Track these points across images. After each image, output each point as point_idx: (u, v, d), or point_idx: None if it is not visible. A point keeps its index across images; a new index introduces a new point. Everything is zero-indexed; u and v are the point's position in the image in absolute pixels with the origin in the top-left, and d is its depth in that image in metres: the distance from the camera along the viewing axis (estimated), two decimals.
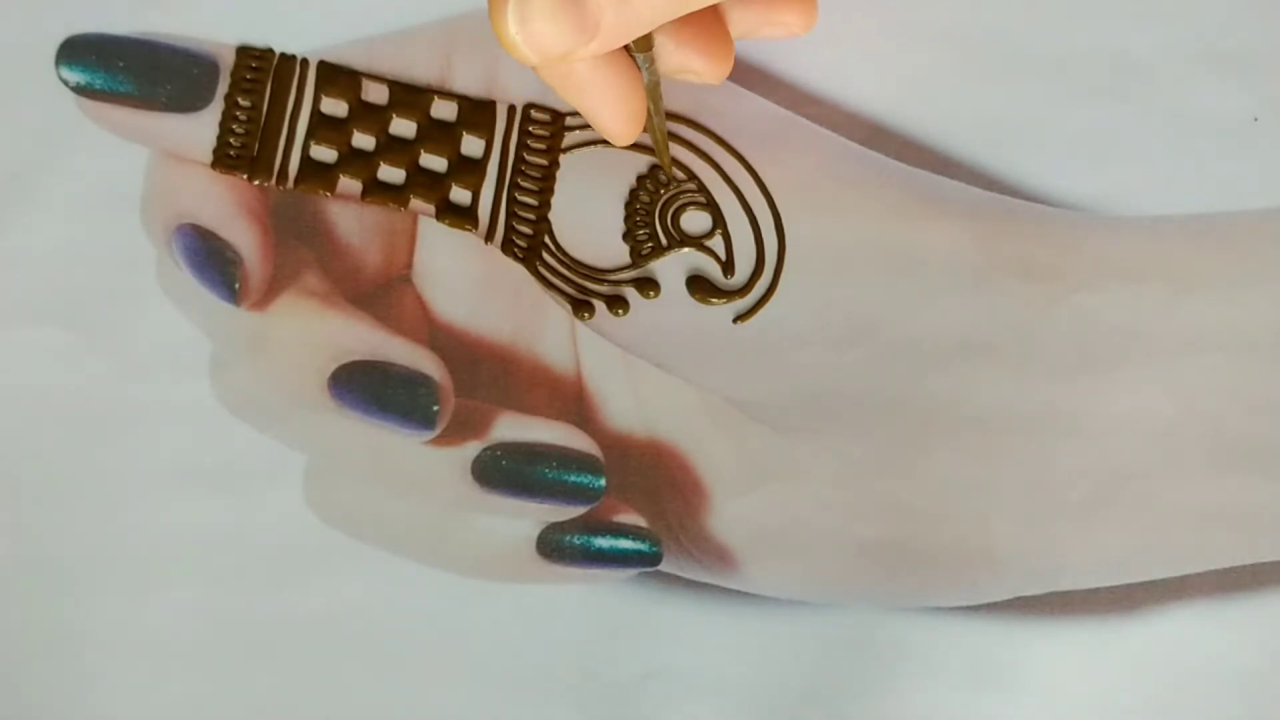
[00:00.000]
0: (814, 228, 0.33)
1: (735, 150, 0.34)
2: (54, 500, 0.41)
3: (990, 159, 0.38)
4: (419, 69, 0.34)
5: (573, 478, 0.33)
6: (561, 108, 0.34)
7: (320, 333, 0.33)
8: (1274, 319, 0.33)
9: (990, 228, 0.34)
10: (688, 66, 0.31)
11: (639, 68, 0.31)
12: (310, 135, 0.34)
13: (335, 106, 0.34)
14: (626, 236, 0.34)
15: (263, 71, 0.34)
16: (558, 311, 0.37)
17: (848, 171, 0.34)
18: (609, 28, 0.28)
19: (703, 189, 0.34)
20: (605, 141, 0.34)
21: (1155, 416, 0.34)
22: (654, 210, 0.34)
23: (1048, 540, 0.35)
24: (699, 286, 0.33)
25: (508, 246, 0.34)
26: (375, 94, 0.34)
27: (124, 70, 0.33)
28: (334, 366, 0.33)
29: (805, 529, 0.35)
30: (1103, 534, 0.34)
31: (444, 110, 0.34)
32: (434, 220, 0.34)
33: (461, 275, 0.37)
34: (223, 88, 0.33)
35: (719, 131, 0.34)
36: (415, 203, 0.34)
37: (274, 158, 0.34)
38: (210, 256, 0.33)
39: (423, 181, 0.34)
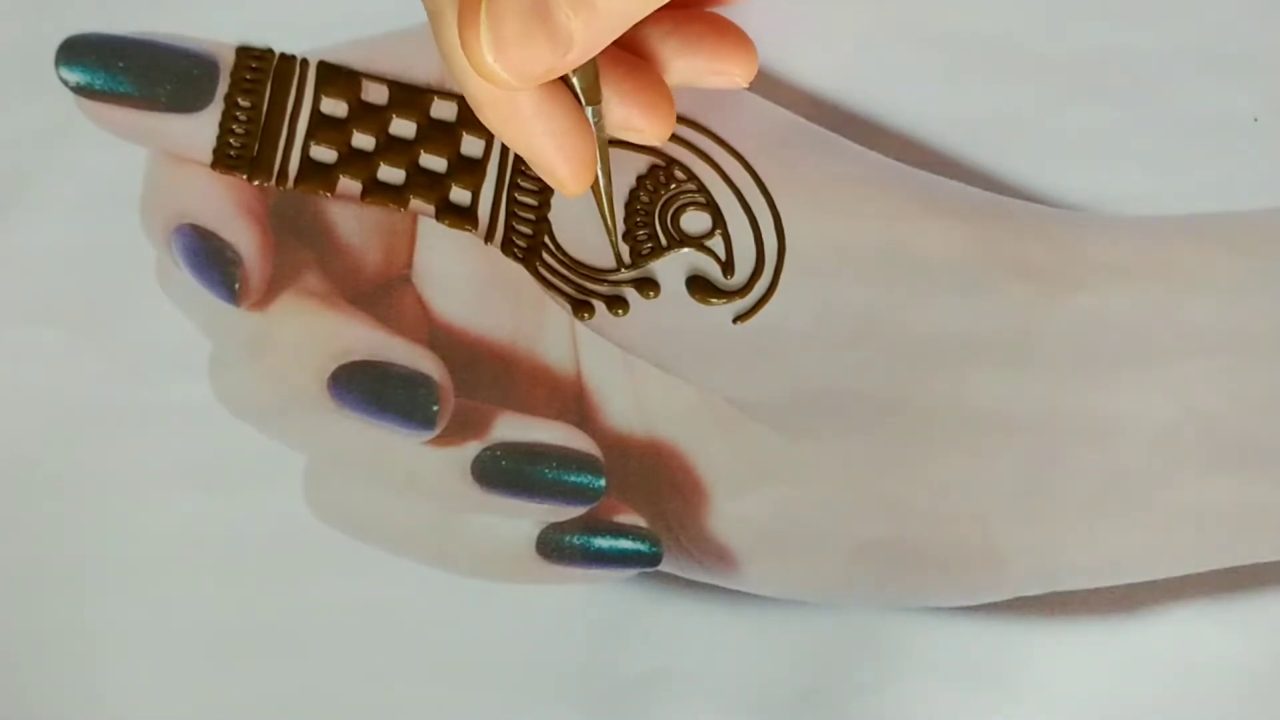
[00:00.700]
0: (814, 228, 0.33)
1: (735, 150, 0.34)
2: (54, 500, 0.41)
3: (990, 159, 0.38)
4: (419, 69, 0.34)
5: (573, 478, 0.33)
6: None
7: (320, 333, 0.33)
8: (1274, 319, 0.33)
9: (990, 228, 0.34)
10: (629, 123, 0.31)
11: (588, 116, 0.31)
12: (310, 135, 0.34)
13: (335, 106, 0.34)
14: (626, 236, 0.34)
15: (263, 71, 0.34)
16: (558, 311, 0.37)
17: (848, 171, 0.34)
18: (582, 38, 0.28)
19: (703, 189, 0.34)
20: (612, 138, 0.34)
21: (1155, 416, 0.34)
22: (654, 210, 0.34)
23: (1048, 540, 0.35)
24: (699, 286, 0.33)
25: (508, 246, 0.34)
26: (375, 94, 0.34)
27: (124, 70, 0.33)
28: (334, 366, 0.33)
29: (805, 529, 0.35)
30: (1103, 534, 0.34)
31: (444, 110, 0.34)
32: (434, 220, 0.34)
33: (461, 275, 0.37)
34: (223, 88, 0.33)
35: (719, 131, 0.34)
36: (415, 203, 0.34)
37: (274, 158, 0.34)
38: (210, 256, 0.33)
39: (423, 181, 0.34)
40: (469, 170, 0.34)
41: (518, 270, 0.34)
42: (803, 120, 0.35)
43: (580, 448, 0.34)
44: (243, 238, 0.33)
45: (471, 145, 0.34)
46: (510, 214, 0.34)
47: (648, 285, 0.34)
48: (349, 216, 0.36)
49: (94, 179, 0.41)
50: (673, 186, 0.34)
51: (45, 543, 0.41)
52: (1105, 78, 0.38)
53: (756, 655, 0.40)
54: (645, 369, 0.36)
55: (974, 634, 0.39)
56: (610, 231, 0.33)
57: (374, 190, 0.34)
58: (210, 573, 0.41)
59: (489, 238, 0.34)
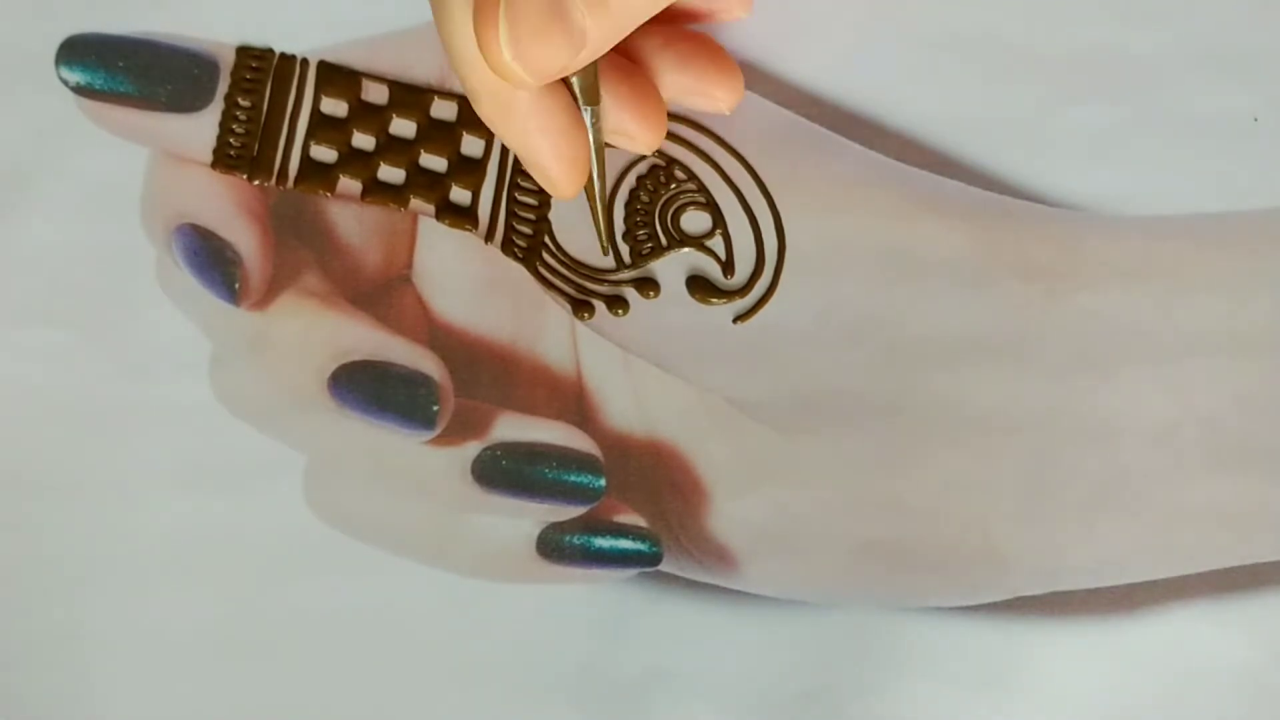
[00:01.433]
0: (814, 228, 0.33)
1: (735, 150, 0.34)
2: (54, 500, 0.41)
3: (990, 159, 0.38)
4: (419, 69, 0.34)
5: (573, 478, 0.33)
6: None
7: (320, 333, 0.33)
8: (1274, 319, 0.33)
9: (990, 228, 0.34)
10: (622, 128, 0.31)
11: (583, 119, 0.31)
12: (310, 135, 0.34)
13: (335, 106, 0.34)
14: (626, 236, 0.34)
15: (263, 71, 0.34)
16: (558, 311, 0.37)
17: (848, 171, 0.34)
18: (595, 35, 0.28)
19: (703, 189, 0.34)
20: (606, 142, 0.34)
21: (1155, 416, 0.34)
22: (654, 210, 0.34)
23: (1048, 540, 0.35)
24: (699, 286, 0.33)
25: (508, 246, 0.34)
26: (375, 94, 0.34)
27: (124, 70, 0.33)
28: (334, 366, 0.33)
29: (805, 529, 0.35)
30: (1103, 534, 0.34)
31: (444, 110, 0.34)
32: (434, 220, 0.34)
33: (461, 275, 0.37)
34: (223, 88, 0.33)
35: (719, 131, 0.34)
36: (415, 203, 0.34)
37: (274, 158, 0.34)
38: (210, 256, 0.33)
39: (423, 181, 0.34)
40: (469, 170, 0.34)
41: (518, 270, 0.34)
42: (803, 120, 0.35)
43: (580, 448, 0.34)
44: (243, 238, 0.33)
45: (471, 145, 0.34)
46: (510, 214, 0.34)
47: (648, 285, 0.34)
48: (349, 216, 0.36)
49: (94, 179, 0.41)
50: (673, 186, 0.34)
51: (45, 543, 0.41)
52: (1105, 78, 0.38)
53: (756, 655, 0.40)
54: (645, 369, 0.36)
55: (974, 634, 0.39)
56: (600, 234, 0.33)
57: (374, 190, 0.34)
58: (210, 573, 0.41)
59: (489, 238, 0.34)
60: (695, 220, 0.34)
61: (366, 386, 0.32)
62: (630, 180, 0.34)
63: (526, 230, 0.34)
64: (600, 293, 0.34)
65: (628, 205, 0.34)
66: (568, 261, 0.34)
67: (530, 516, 0.34)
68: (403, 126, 0.34)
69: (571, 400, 0.37)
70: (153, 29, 0.34)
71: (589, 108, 0.31)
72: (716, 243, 0.34)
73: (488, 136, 0.34)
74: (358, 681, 0.41)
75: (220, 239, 0.33)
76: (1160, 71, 0.38)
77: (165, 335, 0.40)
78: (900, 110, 0.39)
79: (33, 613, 0.41)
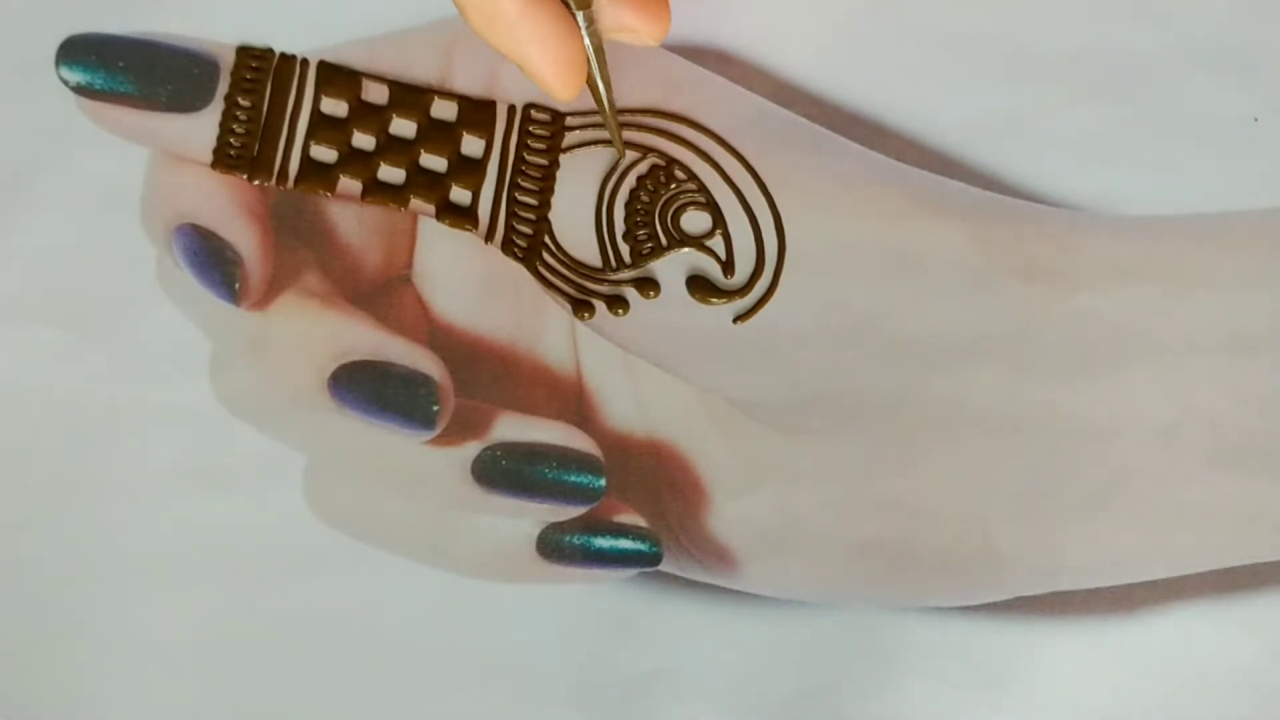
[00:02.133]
0: (814, 228, 0.33)
1: (735, 150, 0.34)
2: (54, 500, 0.41)
3: (990, 159, 0.38)
4: (419, 69, 0.34)
5: (573, 478, 0.33)
6: (562, 108, 0.34)
7: (320, 333, 0.33)
8: (1274, 319, 0.33)
9: (990, 228, 0.34)
10: (623, 24, 0.31)
11: (578, 20, 0.30)
12: (310, 135, 0.34)
13: (335, 106, 0.34)
14: (626, 236, 0.34)
15: (263, 71, 0.34)
16: (558, 311, 0.37)
17: (848, 171, 0.34)
18: None
19: (703, 189, 0.34)
20: (606, 141, 0.34)
21: (1155, 416, 0.34)
22: (654, 210, 0.34)
23: (1048, 540, 0.35)
24: (699, 286, 0.33)
25: (508, 246, 0.34)
26: (375, 94, 0.34)
27: (124, 70, 0.33)
28: (334, 366, 0.33)
29: (805, 529, 0.35)
30: (1103, 534, 0.34)
31: (444, 110, 0.34)
32: (434, 220, 0.34)
33: (461, 275, 0.37)
34: (223, 88, 0.33)
35: (719, 131, 0.34)
36: (415, 203, 0.34)
37: (274, 158, 0.34)
38: (210, 256, 0.33)
39: (423, 181, 0.34)
40: (469, 170, 0.34)
41: (518, 270, 0.34)
42: (803, 120, 0.35)
43: (580, 448, 0.34)
44: (243, 238, 0.33)
45: (471, 145, 0.34)
46: (510, 214, 0.34)
47: (648, 285, 0.34)
48: (349, 216, 0.36)
49: (94, 179, 0.41)
50: (673, 186, 0.34)
51: (45, 543, 0.41)
52: (1105, 78, 0.38)
53: (756, 655, 0.40)
54: (645, 369, 0.36)
55: (974, 634, 0.39)
56: (615, 138, 0.33)
57: (374, 190, 0.34)
58: (210, 573, 0.41)
59: (489, 237, 0.34)
60: (695, 220, 0.34)
61: (366, 386, 0.32)
62: (630, 180, 0.34)
63: (526, 230, 0.34)
64: (600, 293, 0.34)
65: (628, 205, 0.34)
66: (568, 261, 0.34)
67: (530, 516, 0.34)
68: (403, 126, 0.34)
69: (571, 400, 0.37)
70: (153, 29, 0.34)
71: (581, 10, 0.30)
72: (716, 243, 0.34)
73: (488, 136, 0.34)
74: (358, 681, 0.41)
75: (220, 239, 0.33)
76: (1160, 71, 0.38)
77: (165, 335, 0.40)
78: (900, 110, 0.39)
79: (32, 613, 0.41)
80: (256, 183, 0.34)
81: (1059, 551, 0.35)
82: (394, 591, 0.40)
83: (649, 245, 0.34)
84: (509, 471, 0.33)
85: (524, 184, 0.34)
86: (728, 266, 0.33)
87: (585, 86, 0.31)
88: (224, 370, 0.36)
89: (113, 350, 0.41)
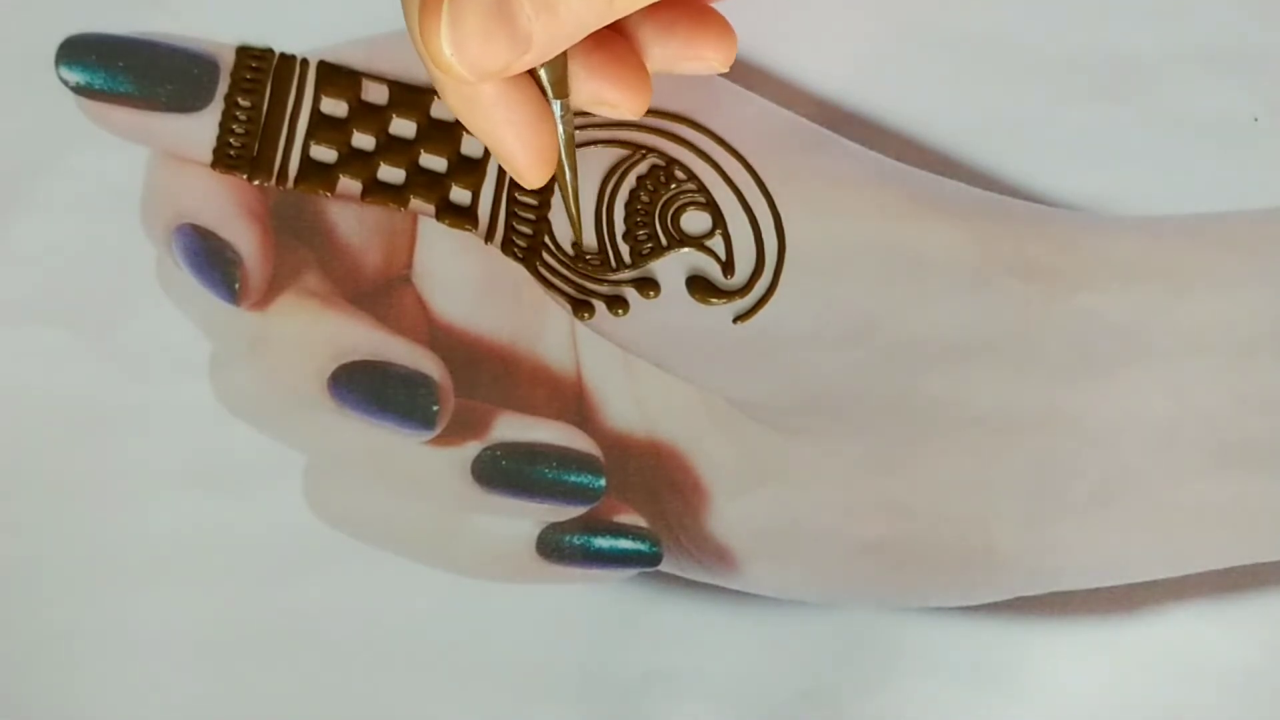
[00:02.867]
0: (814, 228, 0.33)
1: (735, 150, 0.34)
2: (54, 500, 0.41)
3: (990, 159, 0.38)
4: (419, 69, 0.34)
5: (573, 478, 0.33)
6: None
7: (320, 333, 0.33)
8: (1274, 319, 0.33)
9: (990, 228, 0.34)
10: (601, 98, 0.31)
11: (552, 110, 0.30)
12: (310, 135, 0.34)
13: (335, 106, 0.34)
14: (626, 236, 0.34)
15: (263, 71, 0.34)
16: (558, 311, 0.37)
17: (848, 171, 0.34)
18: (540, 40, 0.27)
19: (703, 189, 0.34)
20: (605, 141, 0.34)
21: (1155, 416, 0.34)
22: (654, 210, 0.34)
23: (1048, 540, 0.35)
24: (699, 286, 0.33)
25: (508, 246, 0.34)
26: (375, 94, 0.34)
27: (124, 70, 0.33)
28: (334, 366, 0.33)
29: (805, 529, 0.35)
30: (1103, 534, 0.34)
31: (444, 110, 0.34)
32: (434, 220, 0.34)
33: (461, 275, 0.37)
34: (223, 88, 0.33)
35: (719, 131, 0.34)
36: (415, 203, 0.34)
37: (274, 158, 0.34)
38: (210, 256, 0.33)
39: (423, 181, 0.34)
40: (469, 170, 0.34)
41: (518, 270, 0.34)
42: (803, 120, 0.35)
43: (580, 448, 0.34)
44: (243, 238, 0.33)
45: (471, 145, 0.34)
46: (510, 214, 0.34)
47: (648, 285, 0.34)
48: (349, 216, 0.36)
49: (94, 179, 0.41)
50: (673, 186, 0.34)
51: (45, 543, 0.41)
52: (1105, 78, 0.38)
53: (756, 655, 0.40)
54: (645, 369, 0.36)
55: (974, 634, 0.39)
56: (575, 226, 0.33)
57: (374, 190, 0.34)
58: (210, 573, 0.41)
59: (489, 238, 0.34)
60: (695, 220, 0.34)
61: (366, 386, 0.32)
62: (630, 180, 0.34)
63: (526, 230, 0.34)
64: (600, 293, 0.34)
65: (628, 205, 0.34)
66: (568, 261, 0.34)
67: (530, 516, 0.34)
68: (403, 126, 0.34)
69: (571, 400, 0.37)
70: (153, 29, 0.34)
71: (558, 100, 0.30)
72: (716, 243, 0.34)
73: None
74: (358, 681, 0.41)
75: (220, 239, 0.33)
76: (1160, 71, 0.38)
77: (165, 335, 0.40)
78: (900, 110, 0.39)
79: (32, 613, 0.41)
80: (256, 183, 0.34)
81: (1059, 551, 0.35)
82: (394, 591, 0.40)
83: (649, 245, 0.34)
84: (509, 471, 0.33)
85: None
86: (728, 267, 0.33)
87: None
88: (224, 370, 0.36)
89: (113, 350, 0.41)
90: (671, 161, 0.34)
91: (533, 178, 0.30)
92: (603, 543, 0.34)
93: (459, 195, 0.34)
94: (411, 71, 0.34)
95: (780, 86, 0.39)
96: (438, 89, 0.30)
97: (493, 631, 0.40)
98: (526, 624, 0.40)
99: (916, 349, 0.33)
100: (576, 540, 0.34)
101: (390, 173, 0.34)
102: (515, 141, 0.30)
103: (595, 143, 0.34)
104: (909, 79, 0.39)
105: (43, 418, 0.41)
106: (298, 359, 0.33)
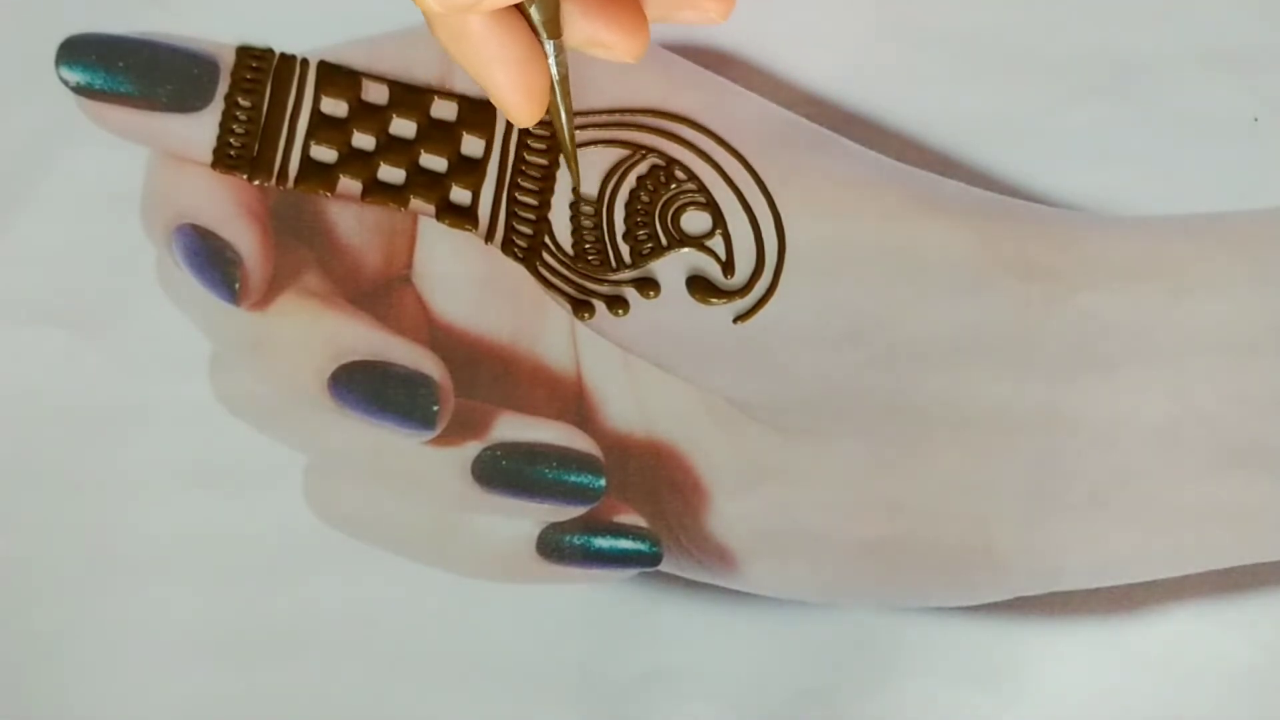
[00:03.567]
0: (814, 228, 0.33)
1: (735, 150, 0.34)
2: (54, 500, 0.41)
3: (990, 159, 0.38)
4: (419, 69, 0.34)
5: (573, 478, 0.33)
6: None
7: (320, 333, 0.33)
8: (1274, 319, 0.33)
9: (990, 228, 0.34)
10: (597, 39, 0.30)
11: (544, 50, 0.30)
12: (310, 135, 0.34)
13: (335, 106, 0.34)
14: (626, 236, 0.34)
15: (263, 71, 0.34)
16: (558, 311, 0.37)
17: (848, 171, 0.34)
18: None
19: (703, 189, 0.34)
20: (606, 142, 0.34)
21: (1155, 416, 0.34)
22: (654, 210, 0.34)
23: (1048, 540, 0.35)
24: (699, 286, 0.33)
25: (508, 246, 0.34)
26: (375, 94, 0.34)
27: (124, 70, 0.33)
28: (334, 366, 0.33)
29: (805, 529, 0.35)
30: (1103, 534, 0.34)
31: (444, 110, 0.34)
32: (434, 220, 0.34)
33: (461, 275, 0.37)
34: (223, 88, 0.33)
35: (719, 131, 0.34)
36: (415, 203, 0.34)
37: (274, 158, 0.34)
38: (210, 256, 0.33)
39: (423, 181, 0.34)
40: (469, 170, 0.34)
41: (518, 270, 0.34)
42: (803, 120, 0.35)
43: (580, 448, 0.34)
44: (243, 238, 0.33)
45: (471, 145, 0.34)
46: (510, 214, 0.34)
47: (648, 285, 0.34)
48: (349, 216, 0.36)
49: (94, 179, 0.41)
50: (673, 186, 0.34)
51: (45, 543, 0.41)
52: (1105, 78, 0.38)
53: (756, 655, 0.40)
54: (645, 369, 0.36)
55: (974, 634, 0.39)
56: (573, 171, 0.33)
57: (374, 190, 0.34)
58: (210, 573, 0.41)
59: (489, 238, 0.34)
60: (695, 220, 0.34)
61: (366, 386, 0.32)
62: (630, 180, 0.34)
63: (526, 230, 0.34)
64: (600, 293, 0.34)
65: (628, 205, 0.34)
66: (568, 261, 0.34)
67: (530, 516, 0.34)
68: (403, 126, 0.34)
69: (571, 400, 0.37)
70: (153, 29, 0.34)
71: (550, 40, 0.30)
72: (716, 243, 0.34)
73: (488, 136, 0.34)
74: (357, 681, 0.41)
75: (220, 239, 0.33)
76: (1160, 71, 0.38)
77: (165, 335, 0.40)
78: (900, 110, 0.39)
79: (33, 612, 0.41)
80: (256, 183, 0.34)
81: (1059, 551, 0.35)
82: (394, 591, 0.40)
83: (649, 245, 0.34)
84: (509, 471, 0.33)
85: (524, 184, 0.34)
86: (728, 267, 0.33)
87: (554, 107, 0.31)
88: (224, 370, 0.36)
89: (113, 350, 0.41)
90: (671, 161, 0.34)
91: (521, 116, 0.30)
92: (603, 543, 0.34)
93: (459, 195, 0.34)
94: (411, 72, 0.34)
95: (780, 86, 0.39)
96: (429, 25, 0.30)
97: (493, 631, 0.40)
98: (526, 624, 0.40)
99: (916, 349, 0.33)
100: (576, 540, 0.34)
101: (390, 173, 0.34)
102: (505, 79, 0.30)
103: (595, 143, 0.34)
104: (909, 79, 0.39)
105: (43, 417, 0.41)
106: (298, 359, 0.33)
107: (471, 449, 0.33)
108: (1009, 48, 0.38)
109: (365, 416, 0.32)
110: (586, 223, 0.34)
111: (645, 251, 0.34)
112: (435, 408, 0.32)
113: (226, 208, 0.33)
